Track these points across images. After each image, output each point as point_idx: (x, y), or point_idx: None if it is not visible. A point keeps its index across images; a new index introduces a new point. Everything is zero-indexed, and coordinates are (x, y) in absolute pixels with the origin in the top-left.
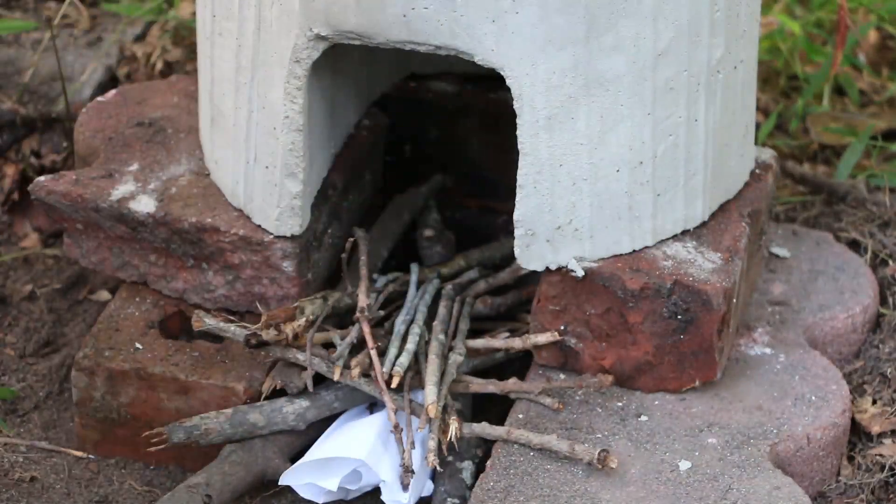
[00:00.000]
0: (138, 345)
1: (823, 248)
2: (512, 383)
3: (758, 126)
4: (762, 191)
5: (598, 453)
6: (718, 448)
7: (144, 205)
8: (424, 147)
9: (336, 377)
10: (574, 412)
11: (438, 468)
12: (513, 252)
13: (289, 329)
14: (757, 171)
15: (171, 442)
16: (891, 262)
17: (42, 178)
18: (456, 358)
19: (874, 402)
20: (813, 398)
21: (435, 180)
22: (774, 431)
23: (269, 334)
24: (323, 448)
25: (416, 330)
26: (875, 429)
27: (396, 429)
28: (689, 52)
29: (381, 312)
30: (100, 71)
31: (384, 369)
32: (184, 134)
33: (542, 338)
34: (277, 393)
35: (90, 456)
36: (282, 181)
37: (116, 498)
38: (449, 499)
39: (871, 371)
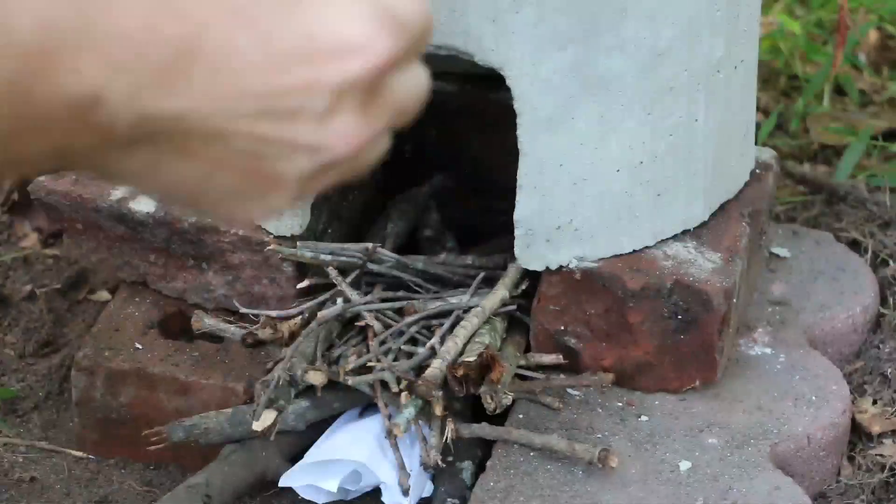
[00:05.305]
0: (138, 345)
1: (823, 248)
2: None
3: (758, 126)
4: (762, 191)
5: (599, 452)
6: (718, 448)
7: (144, 205)
8: (424, 147)
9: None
10: (574, 412)
11: (440, 463)
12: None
13: (285, 328)
14: (757, 171)
15: (171, 441)
16: (891, 262)
17: (42, 177)
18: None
19: (874, 402)
20: (813, 398)
21: (435, 180)
22: (775, 431)
23: (265, 333)
24: (323, 450)
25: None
26: (875, 429)
27: (391, 434)
28: (690, 51)
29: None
30: None
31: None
32: None
33: (547, 359)
34: None
35: (90, 456)
36: None
37: (116, 498)
38: (449, 499)
39: (872, 371)
